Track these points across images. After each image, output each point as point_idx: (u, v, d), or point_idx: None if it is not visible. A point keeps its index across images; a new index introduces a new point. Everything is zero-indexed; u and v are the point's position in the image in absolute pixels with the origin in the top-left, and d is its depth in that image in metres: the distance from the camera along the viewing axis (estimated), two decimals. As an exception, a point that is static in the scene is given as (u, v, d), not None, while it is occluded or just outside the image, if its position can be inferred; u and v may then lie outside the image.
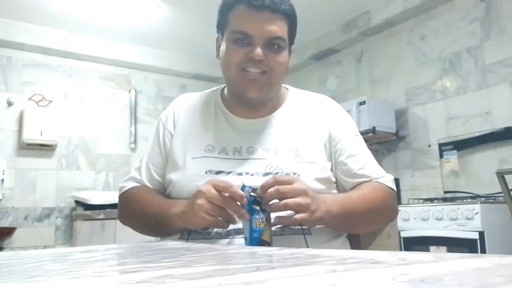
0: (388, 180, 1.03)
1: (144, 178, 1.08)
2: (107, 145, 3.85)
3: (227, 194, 0.86)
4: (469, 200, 2.50)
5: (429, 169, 3.02)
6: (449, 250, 2.34)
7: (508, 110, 2.59)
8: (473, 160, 2.76)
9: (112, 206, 3.16)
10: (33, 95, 3.53)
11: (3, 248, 3.06)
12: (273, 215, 0.86)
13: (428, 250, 2.42)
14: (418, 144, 3.10)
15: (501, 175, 2.01)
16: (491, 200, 2.48)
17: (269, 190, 0.83)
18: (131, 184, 1.08)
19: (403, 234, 2.59)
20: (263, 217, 0.83)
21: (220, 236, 0.93)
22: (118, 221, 1.13)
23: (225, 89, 1.12)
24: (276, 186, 0.83)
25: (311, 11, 3.26)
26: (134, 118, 4.02)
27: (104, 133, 3.85)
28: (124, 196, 1.08)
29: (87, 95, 3.82)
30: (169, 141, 1.08)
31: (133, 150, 3.97)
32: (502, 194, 2.13)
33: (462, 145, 2.79)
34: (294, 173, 0.96)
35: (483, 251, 2.19)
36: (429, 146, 3.02)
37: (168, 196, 1.04)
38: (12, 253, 0.97)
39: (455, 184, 2.84)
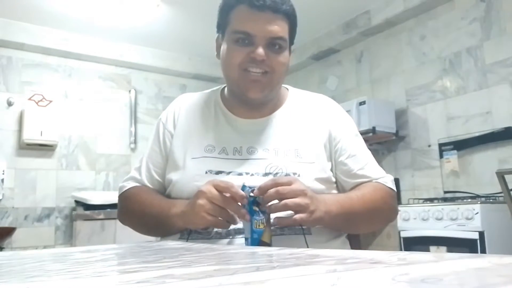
0: (388, 180, 1.03)
1: (144, 178, 1.08)
2: (107, 145, 3.85)
3: (228, 195, 0.86)
4: (469, 200, 2.50)
5: (429, 169, 3.02)
6: (449, 250, 2.34)
7: (508, 110, 2.59)
8: (473, 160, 2.76)
9: (112, 206, 3.16)
10: (33, 95, 3.53)
11: (3, 248, 3.06)
12: (272, 215, 0.86)
13: (428, 250, 2.42)
14: (418, 144, 3.10)
15: (501, 175, 2.01)
16: (491, 200, 2.48)
17: (269, 191, 0.83)
18: (131, 184, 1.08)
19: (403, 234, 2.59)
20: (263, 218, 0.84)
21: (220, 236, 0.93)
22: (118, 221, 1.12)
23: (225, 89, 1.12)
24: (277, 187, 0.84)
25: (311, 11, 3.26)
26: (134, 118, 4.02)
27: (104, 133, 3.85)
28: (124, 196, 1.08)
29: (87, 95, 3.82)
30: (169, 141, 1.08)
31: (133, 150, 3.97)
32: (502, 194, 2.13)
33: (462, 145, 2.79)
34: (294, 173, 0.96)
35: (483, 251, 2.19)
36: (429, 146, 3.02)
37: (168, 196, 1.04)
38: (12, 253, 0.97)
39: (455, 184, 2.84)
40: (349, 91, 3.69)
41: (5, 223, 3.30)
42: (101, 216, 3.24)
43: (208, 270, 0.42)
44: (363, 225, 1.03)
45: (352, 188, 1.02)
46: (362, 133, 1.15)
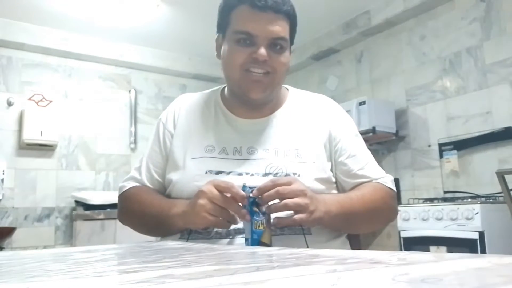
0: (388, 180, 1.03)
1: (144, 178, 1.08)
2: (107, 145, 3.85)
3: (228, 195, 0.86)
4: (469, 200, 2.50)
5: (429, 169, 3.02)
6: (449, 250, 2.34)
7: (508, 110, 2.59)
8: (473, 160, 2.76)
9: (112, 206, 3.16)
10: (33, 95, 3.53)
11: (3, 248, 3.06)
12: (272, 215, 0.86)
13: (428, 250, 2.42)
14: (418, 144, 3.10)
15: (501, 175, 2.01)
16: (491, 200, 2.48)
17: (268, 192, 0.83)
18: (131, 184, 1.08)
19: (403, 234, 2.59)
20: (263, 219, 0.84)
21: (220, 236, 0.93)
22: (118, 221, 1.12)
23: (225, 89, 1.12)
24: (276, 187, 0.84)
25: (311, 11, 3.26)
26: (134, 118, 4.02)
27: (104, 133, 3.85)
28: (124, 196, 1.08)
29: (87, 95, 3.82)
30: (169, 141, 1.08)
31: (133, 150, 3.97)
32: (502, 194, 2.13)
33: (462, 145, 2.79)
34: (294, 173, 0.96)
35: (483, 251, 2.19)
36: (429, 146, 3.02)
37: (168, 196, 1.04)
38: (12, 253, 0.97)
39: (455, 184, 2.84)
40: (349, 91, 3.69)
41: (5, 223, 3.30)
42: (101, 216, 3.24)
43: (208, 270, 0.42)
44: (363, 225, 1.03)
45: (352, 188, 1.02)
46: (362, 133, 1.15)
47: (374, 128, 2.99)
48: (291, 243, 0.85)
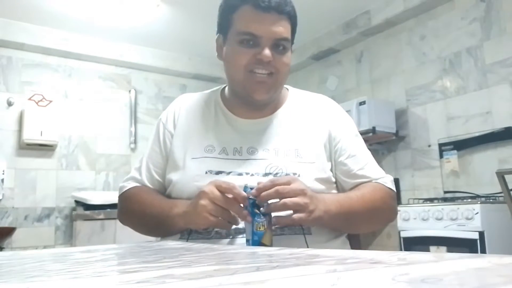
0: (387, 180, 1.03)
1: (144, 178, 1.08)
2: (107, 145, 3.85)
3: (230, 195, 0.86)
4: (469, 200, 2.50)
5: (429, 169, 3.02)
6: (449, 250, 2.34)
7: (508, 110, 2.59)
8: (473, 160, 2.76)
9: (112, 206, 3.16)
10: (33, 95, 3.53)
11: (3, 248, 3.06)
12: (272, 215, 0.86)
13: (428, 250, 2.42)
14: (418, 144, 3.10)
15: (501, 175, 2.01)
16: (491, 200, 2.48)
17: (268, 191, 0.83)
18: (131, 184, 1.08)
19: (403, 234, 2.59)
20: (264, 220, 0.83)
21: (220, 236, 0.93)
22: (118, 221, 1.12)
23: (225, 89, 1.12)
24: (276, 187, 0.83)
25: (311, 11, 3.26)
26: (134, 118, 4.02)
27: (104, 133, 3.85)
28: (124, 196, 1.08)
29: (87, 95, 3.82)
30: (169, 141, 1.08)
31: (133, 150, 3.97)
32: (502, 194, 2.12)
33: (462, 145, 2.79)
34: (294, 173, 0.96)
35: (483, 251, 2.19)
36: (429, 146, 3.02)
37: (169, 196, 1.04)
38: (12, 253, 0.97)
39: (455, 184, 2.84)
40: (349, 91, 3.69)
41: (5, 223, 3.30)
42: (101, 216, 3.24)
43: (208, 270, 0.42)
44: (363, 225, 1.03)
45: (352, 188, 1.02)
46: (362, 133, 1.15)
47: (374, 128, 2.99)
48: (291, 243, 0.85)
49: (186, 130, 1.07)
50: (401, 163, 3.22)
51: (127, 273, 0.47)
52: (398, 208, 2.49)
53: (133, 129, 4.00)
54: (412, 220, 2.55)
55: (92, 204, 3.29)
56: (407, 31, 3.25)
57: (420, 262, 0.39)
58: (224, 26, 1.02)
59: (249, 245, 0.84)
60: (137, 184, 1.08)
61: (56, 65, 3.72)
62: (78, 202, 3.42)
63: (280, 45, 0.97)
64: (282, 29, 0.96)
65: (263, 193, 0.83)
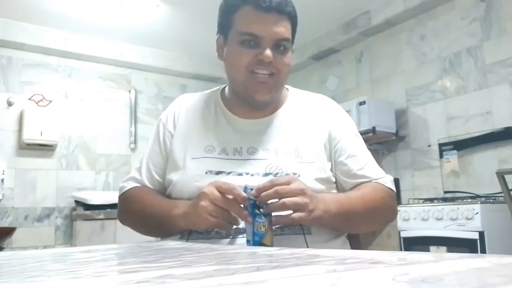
0: (387, 180, 1.03)
1: (145, 178, 1.08)
2: (107, 145, 3.85)
3: (230, 196, 0.86)
4: (469, 200, 2.50)
5: (429, 169, 3.02)
6: (449, 250, 2.34)
7: (508, 110, 2.59)
8: (473, 160, 2.76)
9: (112, 206, 3.16)
10: (33, 95, 3.53)
11: (3, 248, 3.06)
12: (272, 215, 0.86)
13: (428, 250, 2.42)
14: (418, 144, 3.10)
15: (501, 175, 2.01)
16: (491, 200, 2.48)
17: (267, 191, 0.83)
18: (131, 184, 1.08)
19: (403, 234, 2.59)
20: (265, 220, 0.83)
21: (220, 236, 0.93)
22: (118, 221, 1.12)
23: (225, 89, 1.12)
24: (275, 187, 0.83)
25: (311, 11, 3.26)
26: (134, 118, 4.02)
27: (104, 133, 3.85)
28: (125, 196, 1.08)
29: (87, 95, 3.82)
30: (169, 141, 1.08)
31: (133, 150, 3.97)
32: (502, 194, 2.13)
33: (462, 145, 2.79)
34: (294, 173, 0.96)
35: (483, 251, 2.19)
36: (429, 146, 3.02)
37: (169, 196, 1.04)
38: (12, 253, 0.97)
39: (455, 184, 2.84)
40: (349, 91, 3.69)
41: (5, 223, 3.30)
42: (101, 216, 3.24)
43: (208, 270, 0.42)
44: (363, 225, 1.03)
45: (352, 188, 1.02)
46: (362, 133, 1.15)
47: (374, 128, 2.99)
48: (291, 243, 0.85)
49: (186, 130, 1.07)
50: (401, 163, 3.22)
51: (127, 273, 0.47)
52: (398, 208, 2.49)
53: (133, 129, 4.00)
54: (412, 220, 2.55)
55: (92, 204, 3.29)
56: (407, 31, 3.25)
57: (420, 262, 0.39)
58: (224, 26, 1.02)
59: (250, 245, 0.84)
60: (137, 185, 1.08)
61: (56, 65, 3.72)
62: (78, 202, 3.42)
63: (281, 46, 0.97)
64: (283, 29, 0.96)
65: (263, 194, 0.83)
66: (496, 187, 2.27)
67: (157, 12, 3.33)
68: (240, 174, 0.97)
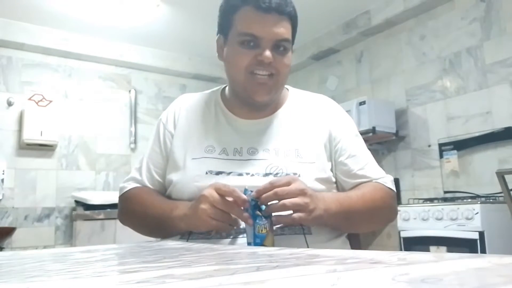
0: (387, 180, 1.03)
1: (145, 178, 1.08)
2: (107, 145, 3.85)
3: (230, 199, 0.86)
4: (469, 200, 2.50)
5: (429, 169, 3.02)
6: (449, 250, 2.34)
7: (508, 110, 2.59)
8: (473, 160, 2.76)
9: (112, 206, 3.16)
10: (33, 95, 3.53)
11: (3, 248, 3.06)
12: (272, 215, 0.86)
13: (428, 250, 2.42)
14: (418, 144, 3.10)
15: (501, 175, 2.01)
16: (491, 200, 2.48)
17: (267, 193, 0.83)
18: (131, 185, 1.08)
19: (403, 234, 2.59)
20: (266, 222, 0.83)
21: (220, 236, 0.93)
22: (118, 221, 1.12)
23: (226, 89, 1.12)
24: (275, 189, 0.83)
25: (311, 11, 3.26)
26: (134, 118, 4.02)
27: (104, 133, 3.85)
28: (125, 196, 1.08)
29: (87, 95, 3.82)
30: (170, 141, 1.08)
31: (133, 150, 3.97)
32: (502, 194, 2.13)
33: (462, 145, 2.79)
34: (295, 174, 0.96)
35: (483, 251, 2.19)
36: (429, 146, 3.02)
37: (169, 197, 1.04)
38: (12, 253, 0.97)
39: (455, 184, 2.84)
40: (349, 91, 3.69)
41: (5, 223, 3.30)
42: (101, 216, 3.24)
43: (208, 270, 0.42)
44: (363, 224, 1.03)
45: (352, 188, 1.02)
46: (362, 133, 1.15)
47: (374, 128, 2.99)
48: (291, 243, 0.85)
49: (186, 130, 1.07)
50: (401, 163, 3.22)
51: (127, 273, 0.47)
52: (398, 208, 2.49)
53: (133, 129, 4.00)
54: (412, 220, 2.55)
55: (92, 204, 3.29)
56: (407, 31, 3.25)
57: (420, 262, 0.39)
58: (224, 26, 1.02)
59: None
60: (138, 185, 1.08)
61: (56, 65, 3.72)
62: (78, 202, 3.42)
63: (280, 46, 0.97)
64: (283, 30, 0.96)
65: (263, 196, 0.83)
66: (496, 187, 2.27)
67: (157, 12, 3.33)
68: (241, 174, 0.97)
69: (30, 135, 3.39)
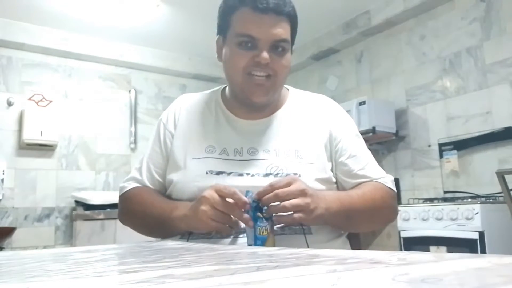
0: (388, 180, 1.03)
1: (145, 178, 1.08)
2: (107, 145, 3.85)
3: (231, 200, 0.86)
4: (469, 200, 2.50)
5: (429, 169, 3.02)
6: (449, 250, 2.34)
7: (508, 110, 2.59)
8: (473, 160, 2.76)
9: (112, 206, 3.16)
10: (33, 95, 3.53)
11: (3, 248, 3.06)
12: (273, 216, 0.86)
13: (428, 250, 2.42)
14: (418, 144, 3.10)
15: (501, 175, 2.01)
16: (491, 200, 2.48)
17: (267, 196, 0.83)
18: (132, 185, 1.08)
19: (403, 234, 2.59)
20: (267, 224, 0.83)
21: (221, 236, 0.93)
22: (118, 221, 1.12)
23: (226, 89, 1.12)
24: (275, 191, 0.83)
25: (311, 11, 3.26)
26: (134, 118, 4.02)
27: (104, 133, 3.85)
28: (125, 196, 1.08)
29: (87, 95, 3.82)
30: (170, 141, 1.08)
31: (133, 150, 3.97)
32: (502, 194, 2.12)
33: (462, 145, 2.79)
34: (295, 174, 0.96)
35: (483, 251, 2.19)
36: (429, 146, 3.02)
37: (169, 197, 1.04)
38: (12, 253, 0.97)
39: (455, 184, 2.84)
40: (349, 91, 3.69)
41: (5, 223, 3.30)
42: (101, 216, 3.24)
43: (208, 270, 0.42)
44: (363, 224, 1.03)
45: (352, 188, 1.02)
46: (362, 133, 1.15)
47: (374, 128, 2.99)
48: (291, 243, 0.85)
49: (186, 131, 1.07)
50: (401, 163, 3.22)
51: (127, 273, 0.47)
52: (398, 208, 2.49)
53: (133, 129, 4.00)
54: (412, 220, 2.54)
55: (92, 204, 3.29)
56: (407, 31, 3.25)
57: (420, 262, 0.39)
58: (223, 27, 1.02)
59: None
60: (138, 185, 1.08)
61: (56, 65, 3.72)
62: (78, 202, 3.42)
63: (279, 47, 0.97)
64: (281, 30, 0.96)
65: (263, 198, 0.83)
66: (496, 187, 2.27)
67: (157, 12, 3.33)
68: (241, 175, 0.97)
69: (30, 135, 3.39)
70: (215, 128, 1.06)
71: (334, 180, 1.03)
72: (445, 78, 2.97)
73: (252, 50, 0.96)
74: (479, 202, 2.29)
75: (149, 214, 1.01)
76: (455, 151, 2.82)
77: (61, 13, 3.33)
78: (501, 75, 2.64)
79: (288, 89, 1.14)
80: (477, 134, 2.72)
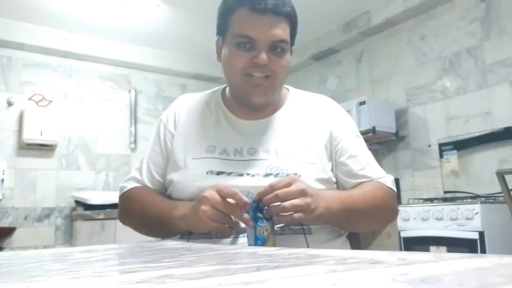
0: (388, 180, 1.03)
1: (145, 178, 1.08)
2: (107, 145, 3.85)
3: (231, 201, 0.85)
4: (469, 200, 2.50)
5: (429, 169, 3.02)
6: (449, 250, 2.34)
7: (508, 110, 2.59)
8: (473, 160, 2.76)
9: (112, 206, 3.16)
10: (33, 95, 3.53)
11: (3, 248, 3.06)
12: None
13: (428, 250, 2.42)
14: (418, 144, 3.10)
15: (501, 175, 2.01)
16: (491, 200, 2.48)
17: (268, 196, 0.83)
18: (132, 185, 1.08)
19: (403, 234, 2.59)
20: (267, 225, 0.83)
21: (221, 236, 0.93)
22: (118, 221, 1.13)
23: (226, 89, 1.12)
24: (275, 191, 0.83)
25: (311, 11, 3.26)
26: (134, 118, 4.02)
27: (104, 133, 3.85)
28: (125, 196, 1.08)
29: (87, 95, 3.83)
30: (170, 141, 1.08)
31: (133, 150, 3.97)
32: (502, 194, 2.13)
33: (462, 145, 2.79)
34: (295, 174, 0.96)
35: (483, 251, 2.19)
36: (429, 146, 3.02)
37: (169, 197, 1.04)
38: (12, 253, 0.97)
39: (455, 184, 2.84)
40: (349, 91, 3.69)
41: (5, 223, 3.30)
42: (101, 216, 3.24)
43: (208, 270, 0.42)
44: (363, 223, 1.03)
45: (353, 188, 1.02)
46: (362, 133, 1.15)
47: (374, 128, 2.99)
48: (291, 243, 0.85)
49: (186, 131, 1.07)
50: (401, 163, 3.22)
51: (127, 273, 0.47)
52: (398, 208, 2.49)
53: (133, 129, 4.00)
54: (412, 220, 2.54)
55: (92, 204, 3.29)
56: (407, 31, 3.25)
57: (420, 262, 0.39)
58: (222, 28, 1.02)
59: None
60: (138, 185, 1.08)
61: (56, 65, 3.72)
62: (78, 202, 3.42)
63: (277, 47, 0.97)
64: (279, 31, 0.96)
65: (264, 198, 0.83)
66: (496, 187, 2.27)
67: (157, 12, 3.33)
68: (241, 175, 0.97)
69: (30, 135, 3.39)
70: (215, 128, 1.06)
71: (334, 180, 1.03)
72: (445, 78, 2.97)
73: (251, 51, 0.96)
74: (479, 202, 2.29)
75: (149, 214, 1.01)
76: (455, 151, 2.82)
77: (61, 13, 3.33)
78: (501, 75, 2.64)
79: (288, 89, 1.14)
80: (477, 134, 2.72)
